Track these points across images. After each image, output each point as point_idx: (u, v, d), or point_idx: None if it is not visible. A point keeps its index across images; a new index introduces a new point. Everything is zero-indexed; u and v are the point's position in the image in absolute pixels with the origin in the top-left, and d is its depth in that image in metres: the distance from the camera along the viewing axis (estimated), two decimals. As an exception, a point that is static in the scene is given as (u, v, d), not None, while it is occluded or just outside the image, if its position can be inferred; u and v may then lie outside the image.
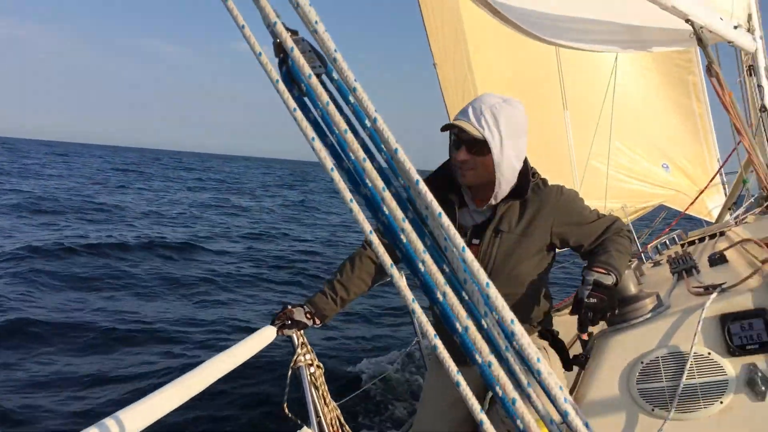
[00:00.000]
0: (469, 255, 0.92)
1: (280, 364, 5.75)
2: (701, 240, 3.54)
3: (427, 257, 0.94)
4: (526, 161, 2.26)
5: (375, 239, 0.98)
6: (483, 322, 0.95)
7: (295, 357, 2.13)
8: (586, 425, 0.87)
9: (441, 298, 0.95)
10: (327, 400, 2.18)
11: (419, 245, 0.94)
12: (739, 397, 1.93)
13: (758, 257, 2.24)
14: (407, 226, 0.94)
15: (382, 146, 0.92)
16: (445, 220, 0.93)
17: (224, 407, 6.27)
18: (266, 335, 2.05)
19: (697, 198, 5.92)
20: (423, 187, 0.93)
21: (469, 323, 0.93)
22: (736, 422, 1.92)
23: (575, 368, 2.29)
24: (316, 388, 2.14)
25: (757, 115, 4.37)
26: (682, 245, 3.66)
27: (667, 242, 3.86)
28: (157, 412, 1.45)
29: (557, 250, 2.35)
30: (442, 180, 2.31)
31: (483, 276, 0.92)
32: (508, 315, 0.89)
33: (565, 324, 3.75)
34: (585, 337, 2.01)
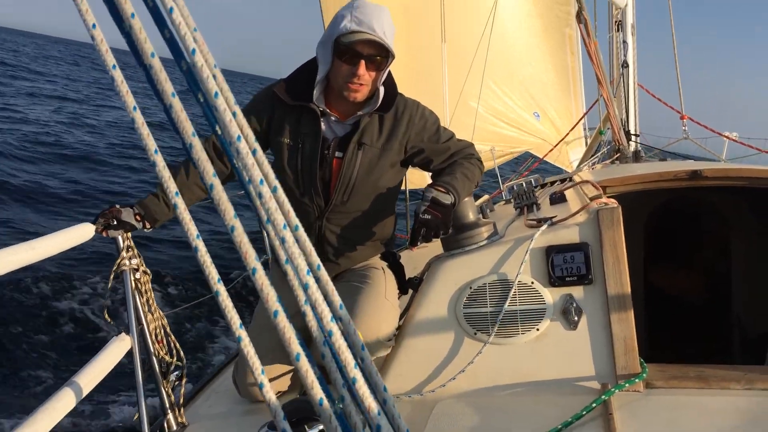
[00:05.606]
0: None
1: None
2: (553, 184, 3.69)
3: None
4: (389, 73, 2.22)
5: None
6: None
7: (119, 261, 1.99)
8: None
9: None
10: (153, 308, 2.07)
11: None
12: (554, 325, 2.03)
13: (590, 195, 2.35)
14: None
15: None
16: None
17: (39, 306, 6.00)
18: (80, 233, 1.87)
19: (557, 145, 6.19)
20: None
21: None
22: (549, 348, 2.03)
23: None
24: (141, 294, 2.03)
25: (619, 70, 4.57)
26: (536, 188, 3.80)
27: (524, 184, 3.99)
28: None
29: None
30: (302, 88, 2.20)
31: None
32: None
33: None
34: (413, 250, 2.04)
